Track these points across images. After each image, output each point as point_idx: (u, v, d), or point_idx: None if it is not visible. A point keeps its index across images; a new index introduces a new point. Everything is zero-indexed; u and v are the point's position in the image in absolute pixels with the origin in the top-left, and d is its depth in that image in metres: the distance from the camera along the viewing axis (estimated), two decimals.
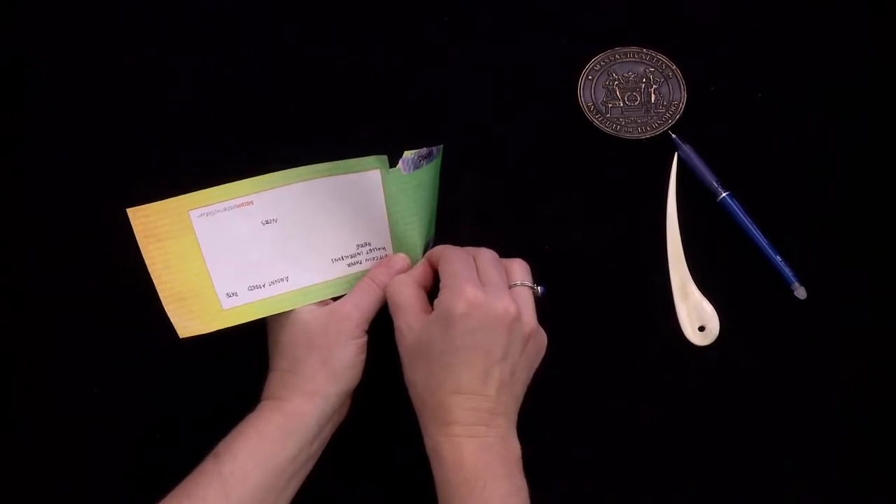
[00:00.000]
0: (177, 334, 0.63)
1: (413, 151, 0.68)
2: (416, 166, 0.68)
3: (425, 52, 0.82)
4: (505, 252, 0.70)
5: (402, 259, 0.68)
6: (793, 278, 0.73)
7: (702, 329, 0.73)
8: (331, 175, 0.67)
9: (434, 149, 0.69)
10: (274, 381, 0.64)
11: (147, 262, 0.66)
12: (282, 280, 0.68)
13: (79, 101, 0.81)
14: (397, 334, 0.64)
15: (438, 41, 0.83)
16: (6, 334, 0.74)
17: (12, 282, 0.76)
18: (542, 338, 0.65)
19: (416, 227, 0.70)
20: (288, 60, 0.82)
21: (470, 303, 0.60)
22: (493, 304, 0.61)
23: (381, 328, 0.72)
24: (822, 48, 0.81)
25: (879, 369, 0.72)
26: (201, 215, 0.66)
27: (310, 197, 0.67)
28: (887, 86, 0.80)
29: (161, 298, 0.66)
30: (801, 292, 0.73)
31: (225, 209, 0.66)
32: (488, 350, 0.61)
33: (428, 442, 0.61)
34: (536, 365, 0.65)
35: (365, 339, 0.65)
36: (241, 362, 0.65)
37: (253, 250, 0.67)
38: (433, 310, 0.63)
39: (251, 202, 0.66)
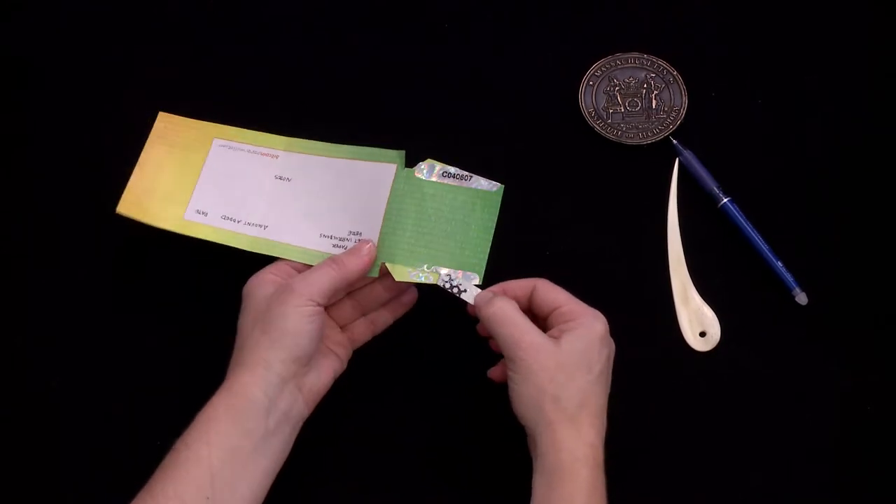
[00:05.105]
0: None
1: (438, 162, 0.70)
2: (432, 175, 0.69)
3: (426, 58, 0.82)
4: (506, 257, 0.70)
5: (368, 244, 0.67)
6: (794, 284, 0.73)
7: (703, 335, 0.73)
8: (352, 158, 0.70)
9: (467, 174, 0.70)
10: (229, 366, 0.64)
11: (142, 157, 0.72)
12: (260, 226, 0.70)
13: (79, 101, 0.81)
14: (532, 349, 0.62)
15: (439, 47, 0.83)
16: (6, 334, 0.74)
17: (12, 282, 0.76)
18: None
19: (406, 235, 0.68)
20: (288, 62, 0.82)
21: (607, 328, 0.64)
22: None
23: (381, 333, 0.72)
24: (823, 54, 0.81)
25: (880, 374, 0.72)
26: (223, 146, 0.73)
27: (328, 172, 0.71)
28: (888, 91, 0.80)
29: (129, 183, 0.71)
30: (802, 298, 0.73)
31: (249, 151, 0.72)
32: (609, 381, 0.65)
33: (563, 456, 0.60)
34: None
35: (313, 309, 0.63)
36: None
37: (251, 193, 0.71)
38: (556, 328, 0.64)
39: (277, 156, 0.72)
